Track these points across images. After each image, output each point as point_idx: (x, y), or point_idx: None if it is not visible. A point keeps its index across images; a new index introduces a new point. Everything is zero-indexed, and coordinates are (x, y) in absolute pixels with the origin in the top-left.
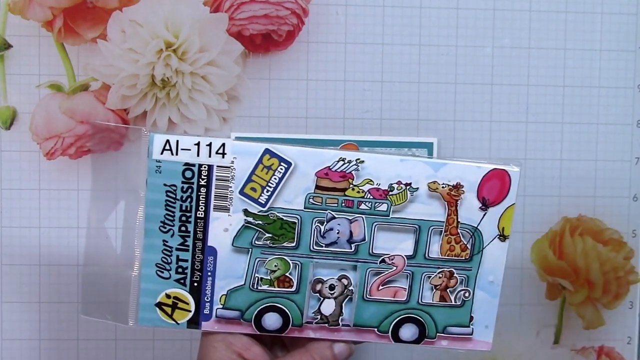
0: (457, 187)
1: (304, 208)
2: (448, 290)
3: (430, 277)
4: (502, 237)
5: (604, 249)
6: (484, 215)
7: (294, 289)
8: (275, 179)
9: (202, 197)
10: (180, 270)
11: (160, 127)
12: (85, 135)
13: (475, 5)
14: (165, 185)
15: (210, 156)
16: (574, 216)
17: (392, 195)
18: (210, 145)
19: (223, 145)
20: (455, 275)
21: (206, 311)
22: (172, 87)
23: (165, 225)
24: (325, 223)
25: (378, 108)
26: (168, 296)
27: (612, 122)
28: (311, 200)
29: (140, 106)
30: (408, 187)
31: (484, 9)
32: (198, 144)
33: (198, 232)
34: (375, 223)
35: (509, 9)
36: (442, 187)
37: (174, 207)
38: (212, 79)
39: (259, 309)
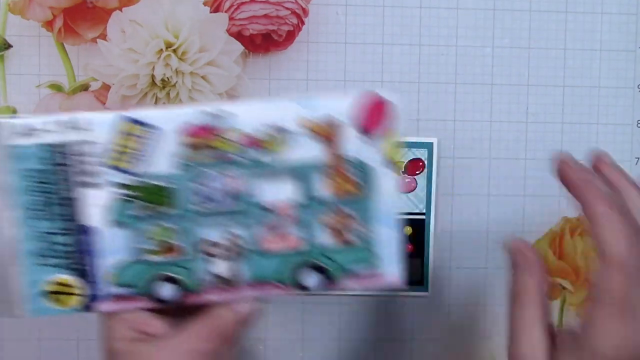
0: (330, 122)
1: (177, 170)
2: (345, 230)
3: (323, 219)
4: (391, 164)
5: None
6: (366, 146)
7: (182, 254)
8: (140, 145)
9: (65, 177)
10: (61, 255)
11: None
12: None
13: (475, 5)
14: (25, 169)
15: (63, 133)
16: (574, 216)
17: (265, 142)
18: (60, 122)
19: (74, 119)
20: (348, 213)
21: (99, 292)
22: (172, 87)
23: (35, 211)
24: (200, 183)
25: None
26: (52, 283)
27: (612, 122)
28: (182, 160)
29: (140, 106)
30: (280, 131)
31: (484, 9)
32: (47, 122)
33: (70, 214)
34: (254, 173)
35: (509, 9)
36: (313, 123)
37: (40, 192)
38: (212, 79)
39: (151, 281)
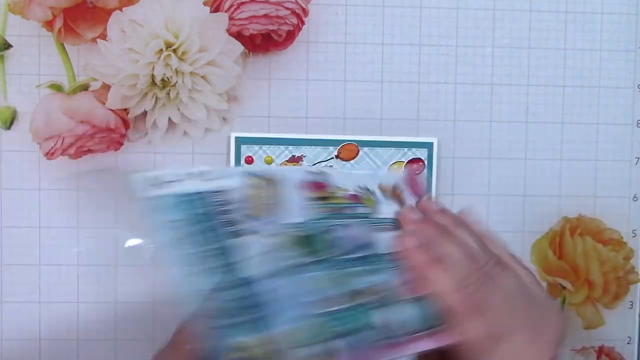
0: (395, 187)
1: (310, 220)
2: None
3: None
4: None
5: (604, 249)
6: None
7: (339, 304)
8: (268, 196)
9: (211, 225)
10: (240, 310)
11: (160, 127)
12: (85, 135)
13: (475, 5)
14: (167, 221)
15: (197, 184)
16: (574, 216)
17: (363, 199)
18: (192, 174)
19: (205, 172)
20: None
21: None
22: (172, 87)
23: (211, 271)
24: (329, 231)
25: (378, 108)
26: (241, 346)
27: (612, 122)
28: (311, 210)
29: (140, 106)
30: (369, 191)
31: (484, 9)
32: (179, 175)
33: (232, 268)
34: (369, 224)
35: (509, 9)
36: (388, 188)
37: (189, 243)
38: (212, 79)
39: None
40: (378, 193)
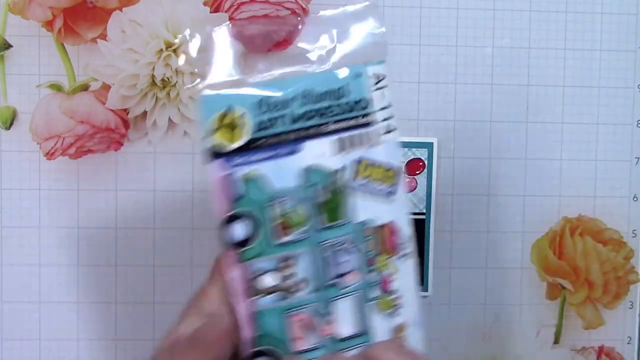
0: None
1: (360, 223)
2: None
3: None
4: None
5: (604, 249)
6: None
7: (279, 240)
8: (378, 187)
9: (345, 124)
10: (268, 125)
11: (160, 127)
12: (85, 135)
13: (475, 5)
14: (347, 83)
15: (382, 120)
16: (574, 216)
17: (386, 296)
18: (389, 118)
19: (394, 130)
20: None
21: (233, 162)
22: (172, 87)
23: (305, 97)
24: (351, 246)
25: None
26: (240, 117)
27: (612, 122)
28: (368, 227)
29: (140, 106)
30: (396, 308)
31: (484, 9)
32: (387, 107)
33: (313, 129)
34: (358, 292)
35: (509, 9)
36: (400, 337)
37: (327, 98)
38: None
39: (248, 211)
40: (394, 322)
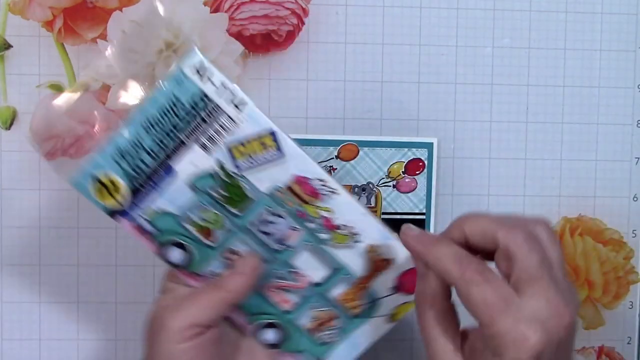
0: (388, 262)
1: (266, 193)
2: (323, 326)
3: (317, 308)
4: (390, 319)
5: (604, 249)
6: (389, 295)
7: (212, 243)
8: (262, 157)
9: (196, 128)
10: (136, 168)
11: None
12: (85, 135)
13: (475, 5)
14: (174, 95)
15: (228, 104)
16: (574, 216)
17: (337, 232)
18: (234, 95)
19: (244, 103)
20: (335, 320)
21: (132, 213)
22: None
23: (150, 127)
24: (272, 215)
25: (378, 108)
26: (110, 180)
27: (612, 122)
28: (276, 191)
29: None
30: (353, 236)
31: (484, 9)
32: (225, 87)
33: (172, 151)
34: (309, 242)
35: (509, 9)
36: (377, 255)
37: (168, 118)
38: None
39: (172, 239)
40: (362, 246)
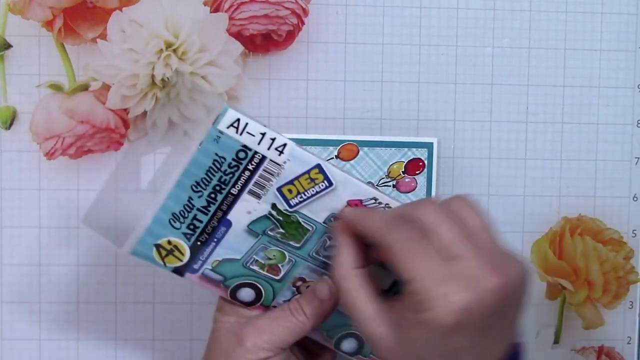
0: None
1: (323, 222)
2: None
3: None
4: None
5: (604, 249)
6: None
7: (278, 277)
8: (312, 190)
9: (243, 179)
10: (191, 227)
11: (160, 127)
12: (85, 135)
13: (475, 5)
14: (216, 154)
15: (268, 149)
16: (574, 216)
17: None
18: (273, 140)
19: (284, 145)
20: None
21: (195, 266)
22: (172, 87)
23: (198, 186)
24: (333, 240)
25: (378, 108)
26: (169, 242)
27: (612, 122)
28: (332, 219)
29: (140, 106)
30: None
31: (484, 9)
32: (263, 135)
33: (224, 204)
34: None
35: (509, 9)
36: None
37: (214, 176)
38: (212, 79)
39: (241, 281)
40: None
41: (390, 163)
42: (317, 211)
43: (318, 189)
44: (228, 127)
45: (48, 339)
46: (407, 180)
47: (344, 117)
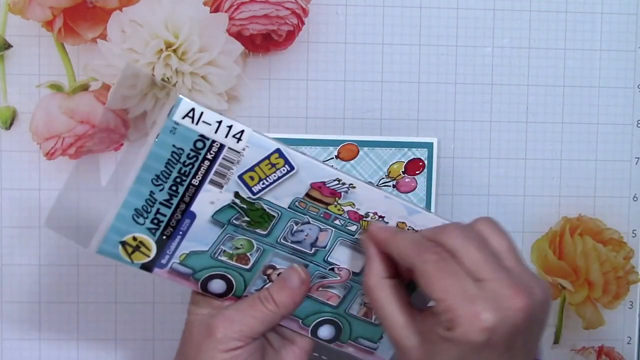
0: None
1: (288, 207)
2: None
3: (364, 294)
4: None
5: (604, 249)
6: None
7: (248, 266)
8: (274, 176)
9: (203, 169)
10: (155, 221)
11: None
12: (85, 135)
13: (475, 5)
14: (174, 146)
15: (226, 137)
16: (574, 216)
17: (364, 220)
18: (230, 127)
19: (242, 132)
20: None
21: (163, 261)
22: (172, 87)
23: (158, 179)
24: (299, 224)
25: (378, 108)
26: (134, 239)
27: (612, 122)
28: (297, 203)
29: (140, 106)
30: (380, 219)
31: (484, 9)
32: (220, 123)
33: (186, 196)
34: (340, 238)
35: (509, 9)
36: (408, 229)
37: (173, 168)
38: (212, 79)
39: (210, 273)
40: (392, 225)
41: (390, 163)
42: (281, 196)
43: (280, 174)
44: (183, 118)
45: (48, 339)
46: (407, 180)
47: (344, 117)
